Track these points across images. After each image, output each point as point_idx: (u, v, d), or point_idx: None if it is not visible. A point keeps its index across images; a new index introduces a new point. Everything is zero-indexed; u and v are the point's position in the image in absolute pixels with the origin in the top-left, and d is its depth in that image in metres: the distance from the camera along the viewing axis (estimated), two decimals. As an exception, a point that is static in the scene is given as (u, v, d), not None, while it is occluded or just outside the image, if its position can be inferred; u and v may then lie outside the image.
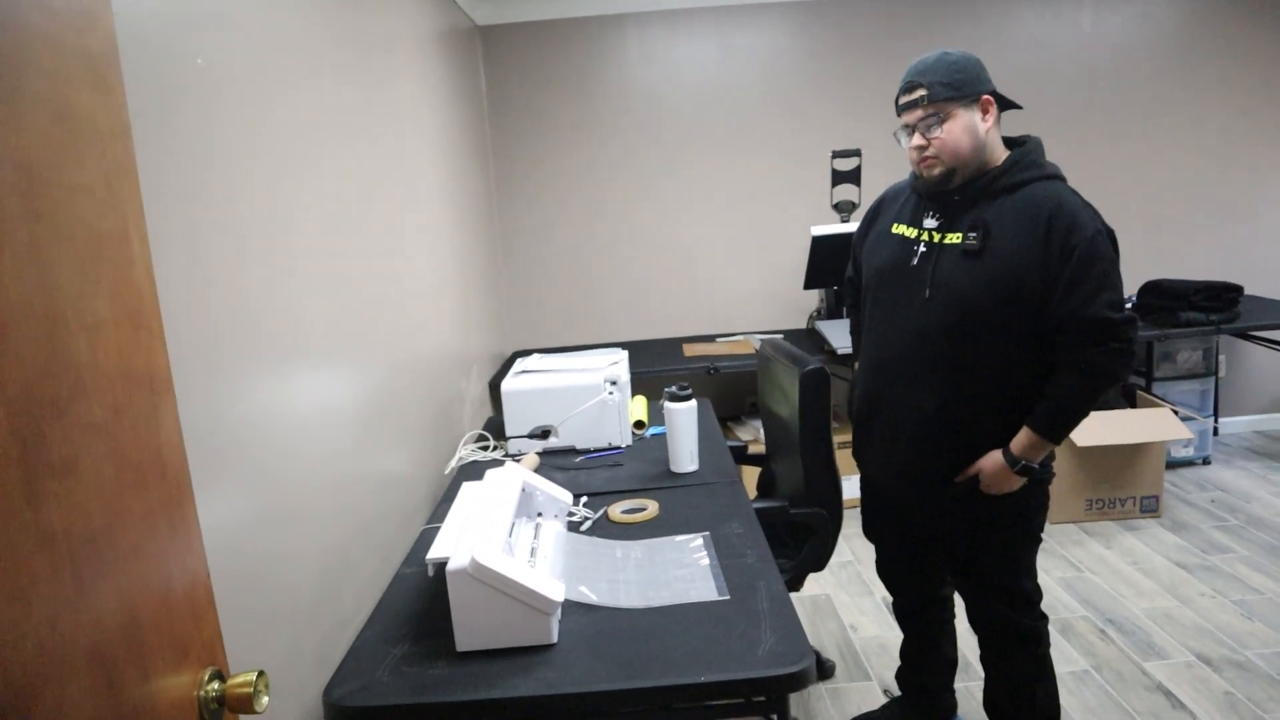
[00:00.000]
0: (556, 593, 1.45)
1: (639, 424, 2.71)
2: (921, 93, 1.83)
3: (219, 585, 1.23)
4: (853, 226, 3.85)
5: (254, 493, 1.37)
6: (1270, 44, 4.37)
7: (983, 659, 2.13)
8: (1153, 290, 4.00)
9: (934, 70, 1.83)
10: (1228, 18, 4.34)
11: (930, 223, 1.93)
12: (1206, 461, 4.29)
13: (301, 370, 1.59)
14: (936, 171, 1.87)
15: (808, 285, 4.05)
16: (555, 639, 1.45)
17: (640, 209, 4.35)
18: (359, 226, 2.00)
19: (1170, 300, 3.86)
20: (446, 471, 2.49)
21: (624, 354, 2.80)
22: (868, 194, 4.14)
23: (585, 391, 2.53)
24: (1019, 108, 1.94)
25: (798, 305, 4.45)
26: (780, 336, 4.03)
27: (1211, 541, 3.45)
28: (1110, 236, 1.79)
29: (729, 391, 4.45)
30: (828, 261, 3.89)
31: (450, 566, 1.41)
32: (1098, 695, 2.51)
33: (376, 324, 2.08)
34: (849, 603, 3.14)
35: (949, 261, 1.87)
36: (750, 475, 2.95)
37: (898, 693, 2.45)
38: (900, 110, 1.90)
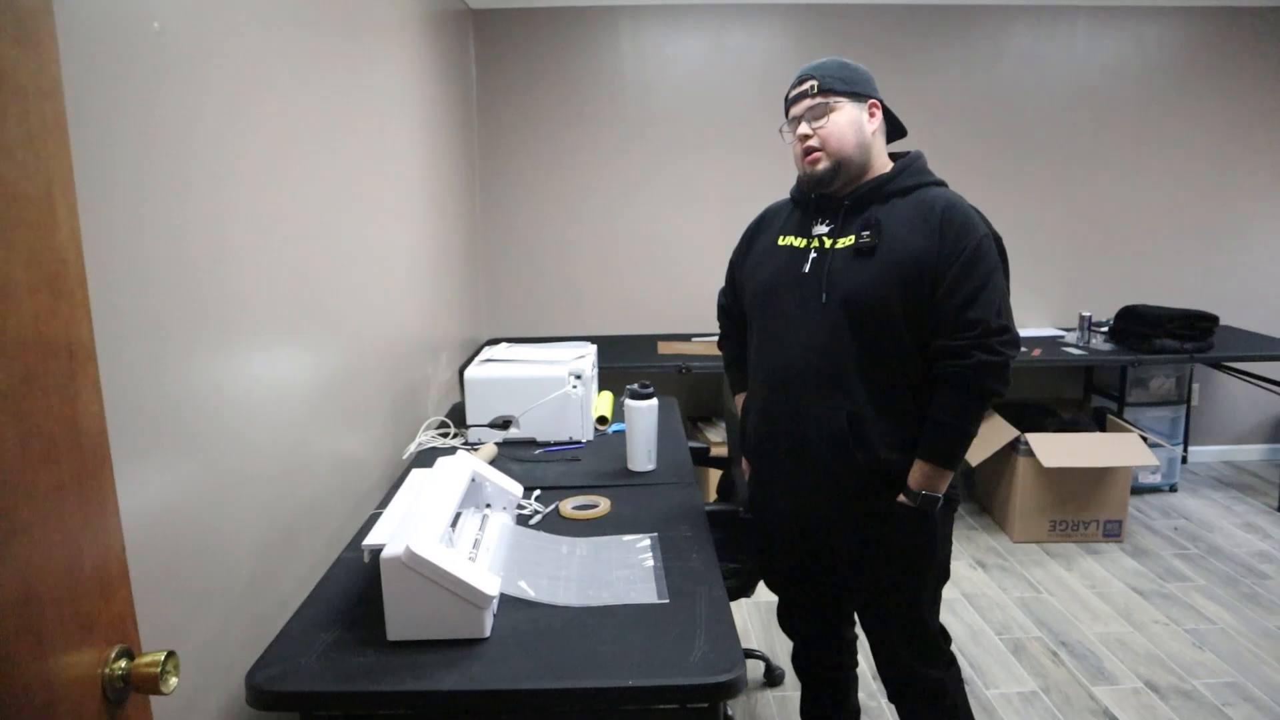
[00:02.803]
0: (491, 586, 1.43)
1: (602, 419, 2.69)
2: (812, 83, 1.82)
3: (146, 562, 1.21)
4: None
5: (192, 468, 1.35)
6: (1257, 75, 4.39)
7: (891, 702, 2.01)
8: (1129, 315, 4.01)
9: (827, 66, 1.84)
10: (1217, 47, 4.35)
11: (820, 229, 1.88)
12: (1173, 489, 4.31)
13: (252, 346, 1.56)
14: (820, 167, 1.83)
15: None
16: (488, 633, 1.43)
17: (625, 203, 4.33)
18: (325, 206, 1.97)
19: (1146, 326, 3.87)
20: (404, 456, 2.47)
21: (592, 348, 2.78)
22: (851, 202, 4.13)
23: (549, 384, 2.51)
24: (904, 134, 1.93)
25: (776, 309, 4.44)
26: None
27: (1170, 569, 3.46)
28: (998, 242, 1.77)
29: (700, 391, 4.44)
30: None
31: (385, 554, 1.39)
32: (1044, 717, 2.51)
33: (339, 303, 2.05)
34: (804, 610, 3.14)
35: (842, 263, 1.80)
36: (713, 478, 2.94)
37: None
38: (789, 103, 1.88)
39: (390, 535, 1.49)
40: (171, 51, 1.33)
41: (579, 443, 2.54)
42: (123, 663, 0.99)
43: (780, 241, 1.95)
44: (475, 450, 2.40)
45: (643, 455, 2.29)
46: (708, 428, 4.21)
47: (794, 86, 1.88)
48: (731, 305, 2.17)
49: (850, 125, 1.82)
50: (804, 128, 1.85)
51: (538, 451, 2.46)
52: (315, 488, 1.88)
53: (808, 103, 1.83)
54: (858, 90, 1.83)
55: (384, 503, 2.08)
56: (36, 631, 0.87)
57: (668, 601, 1.56)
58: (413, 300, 2.79)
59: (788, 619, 2.20)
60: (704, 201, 4.35)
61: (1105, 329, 4.19)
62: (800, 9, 4.19)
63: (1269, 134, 4.46)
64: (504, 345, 2.84)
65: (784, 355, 1.88)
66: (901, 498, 1.80)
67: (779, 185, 4.26)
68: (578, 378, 2.52)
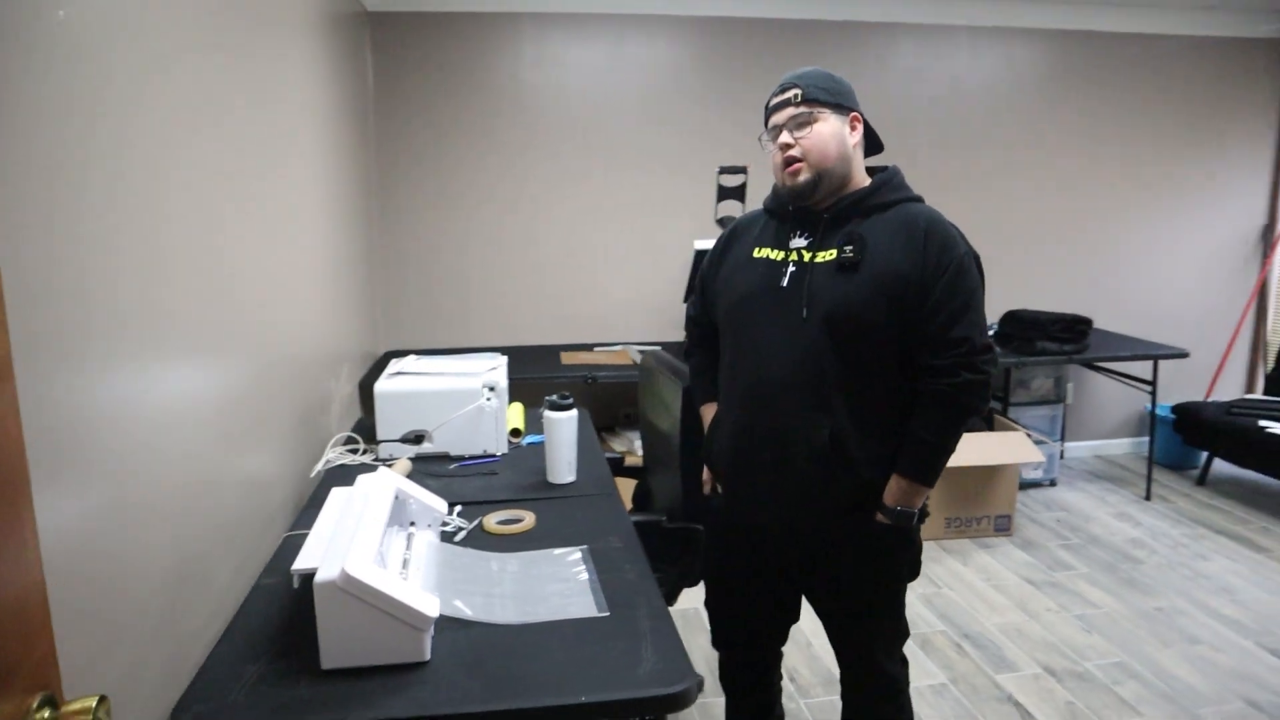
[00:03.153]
0: (431, 608, 1.38)
1: (515, 432, 2.64)
2: (795, 92, 1.79)
3: (53, 597, 1.10)
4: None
5: (98, 493, 1.25)
6: (1120, 92, 4.70)
7: (845, 700, 2.04)
8: (1012, 320, 4.22)
9: (810, 75, 1.81)
10: (1083, 67, 4.64)
11: (798, 242, 1.85)
12: (1053, 483, 4.55)
13: (157, 362, 1.46)
14: (801, 179, 1.79)
15: (687, 298, 4.07)
16: (428, 656, 1.38)
17: (524, 212, 4.28)
18: (226, 214, 1.87)
19: (1028, 329, 4.08)
20: (312, 475, 2.36)
21: (503, 359, 2.73)
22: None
23: (462, 396, 2.45)
24: (881, 149, 1.92)
25: (675, 318, 4.47)
26: (658, 348, 4.03)
27: (1057, 559, 3.66)
28: (976, 260, 1.79)
29: (605, 401, 4.43)
30: (709, 276, 3.92)
31: (318, 578, 1.32)
32: (954, 707, 2.60)
33: (241, 316, 1.94)
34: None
35: (823, 278, 1.78)
36: (626, 487, 2.92)
37: None
38: (770, 111, 1.85)
39: (320, 558, 1.41)
40: (76, 43, 1.23)
41: (494, 456, 2.49)
42: (46, 712, 0.91)
43: (756, 254, 1.90)
44: (389, 466, 2.32)
45: (564, 467, 2.26)
46: (612, 438, 4.20)
47: (775, 94, 1.84)
48: (700, 315, 2.11)
49: (833, 137, 1.79)
50: (785, 137, 1.80)
51: (452, 466, 2.40)
52: (226, 511, 1.77)
53: (790, 111, 1.80)
54: (841, 102, 1.81)
55: (296, 525, 1.99)
56: (-44, 683, 0.78)
57: (608, 614, 1.54)
58: (313, 313, 2.68)
59: (731, 627, 2.14)
60: (604, 210, 4.35)
61: (991, 332, 4.39)
62: (697, 21, 4.25)
63: (1128, 150, 4.78)
64: (411, 358, 2.76)
65: (763, 371, 1.84)
66: (880, 516, 1.81)
67: (675, 194, 4.33)
68: (491, 389, 2.47)
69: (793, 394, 1.81)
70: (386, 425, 2.44)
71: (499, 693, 1.29)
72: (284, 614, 1.54)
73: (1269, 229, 5.04)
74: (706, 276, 2.07)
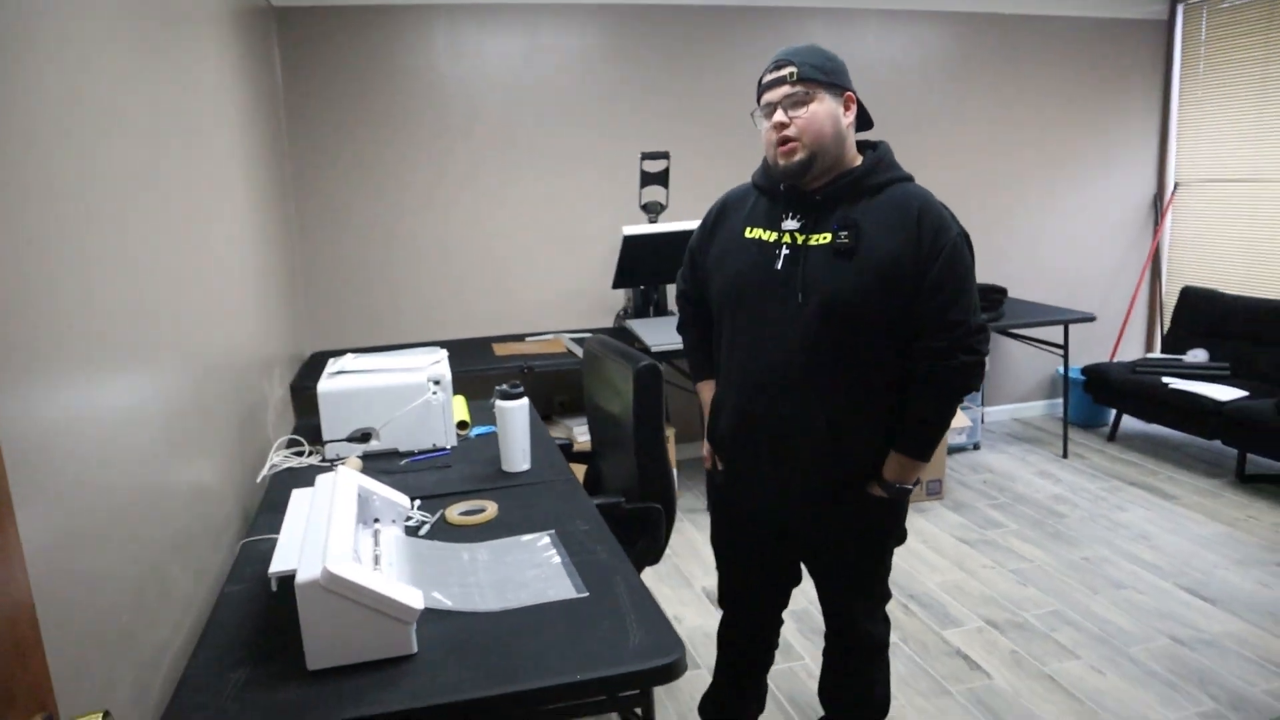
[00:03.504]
0: (415, 600, 1.36)
1: (462, 424, 2.62)
2: (791, 69, 1.75)
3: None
4: (664, 227, 3.94)
5: (59, 509, 1.20)
6: (1021, 72, 4.90)
7: (828, 658, 2.12)
8: (929, 291, 4.35)
9: (806, 53, 1.78)
10: (986, 48, 4.82)
11: (791, 224, 1.83)
12: (977, 447, 4.73)
13: (96, 374, 1.40)
14: (796, 158, 1.76)
15: (616, 284, 4.10)
16: (415, 649, 1.37)
17: (446, 206, 4.23)
18: (157, 216, 1.80)
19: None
20: (259, 480, 2.30)
21: (444, 353, 2.70)
22: (676, 196, 4.24)
23: (407, 391, 2.41)
24: (870, 126, 1.88)
25: (604, 304, 4.49)
26: (589, 335, 4.04)
27: (987, 518, 3.81)
28: (967, 240, 1.78)
29: (540, 390, 4.41)
30: (638, 261, 3.95)
31: (299, 579, 1.29)
32: (907, 664, 2.70)
33: (179, 322, 1.88)
34: (670, 595, 3.20)
35: (819, 262, 1.77)
36: (576, 473, 2.93)
37: None
38: (764, 89, 1.81)
39: (296, 559, 1.39)
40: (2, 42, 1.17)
41: (444, 449, 2.46)
42: (47, 730, 0.87)
43: (747, 233, 1.89)
44: (338, 466, 2.27)
45: (518, 455, 2.25)
46: (550, 426, 4.20)
47: (770, 71, 1.80)
48: (691, 290, 2.10)
49: (828, 117, 1.76)
50: (780, 115, 1.77)
51: (403, 462, 2.37)
52: (177, 521, 1.72)
53: (786, 90, 1.76)
54: (836, 81, 1.78)
55: (252, 531, 1.94)
56: (-36, 703, 0.75)
57: (588, 595, 1.55)
58: (240, 317, 2.60)
59: (736, 598, 2.20)
60: (528, 201, 4.32)
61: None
62: (609, 8, 4.25)
63: (1030, 127, 4.98)
64: (349, 356, 2.70)
65: (760, 357, 1.86)
66: (876, 489, 1.86)
67: (598, 182, 4.33)
68: (437, 383, 2.44)
69: (789, 381, 1.83)
70: (332, 425, 2.38)
71: (493, 678, 1.29)
72: (256, 619, 1.51)
73: (1158, 197, 5.33)
74: (696, 252, 2.07)
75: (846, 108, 1.81)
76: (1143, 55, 5.11)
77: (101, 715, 0.89)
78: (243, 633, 1.46)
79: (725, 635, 2.25)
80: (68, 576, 1.18)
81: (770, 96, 1.79)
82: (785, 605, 2.21)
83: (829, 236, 1.78)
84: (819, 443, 1.83)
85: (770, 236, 1.86)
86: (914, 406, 1.80)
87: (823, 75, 1.76)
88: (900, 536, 1.99)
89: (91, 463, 1.31)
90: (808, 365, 1.80)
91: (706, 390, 2.11)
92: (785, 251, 1.82)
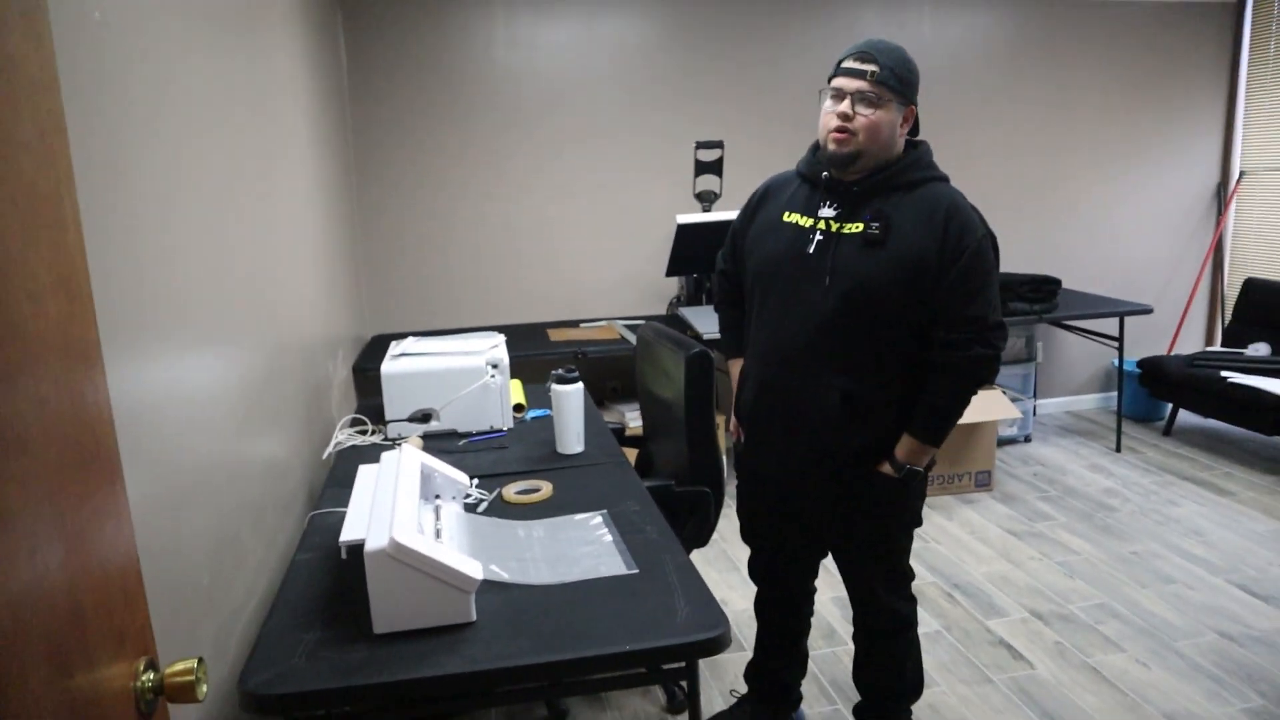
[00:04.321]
0: (475, 570, 1.44)
1: (518, 406, 2.71)
2: (874, 68, 1.81)
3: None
4: (717, 216, 3.98)
5: (156, 474, 1.30)
6: (1081, 58, 4.82)
7: (856, 639, 2.19)
8: (982, 282, 4.34)
9: (892, 55, 1.83)
10: (1044, 35, 4.75)
11: (827, 212, 1.92)
12: (1028, 439, 4.70)
13: (181, 352, 1.50)
14: (846, 149, 1.84)
15: (670, 272, 4.15)
16: (474, 617, 1.45)
17: (503, 193, 4.32)
18: (238, 202, 1.90)
19: (1000, 291, 4.20)
20: (324, 457, 2.41)
21: (501, 337, 2.78)
22: (730, 185, 4.27)
23: (467, 374, 2.50)
24: (917, 134, 1.95)
25: (658, 292, 4.54)
26: (642, 322, 4.11)
27: (1036, 511, 3.80)
28: (993, 241, 1.88)
29: (592, 376, 4.49)
30: (691, 250, 3.99)
31: (368, 548, 1.38)
32: (949, 652, 2.73)
33: (249, 304, 1.98)
34: (718, 578, 3.27)
35: (849, 250, 1.87)
36: (628, 456, 3.00)
37: (744, 691, 2.47)
38: (841, 72, 1.85)
39: (364, 530, 1.48)
40: (110, 43, 1.27)
41: (500, 431, 2.55)
42: (150, 674, 0.97)
43: (785, 218, 1.99)
44: (401, 444, 2.37)
45: (573, 438, 2.33)
46: (604, 412, 4.27)
47: (852, 59, 1.84)
48: (731, 269, 2.20)
49: (888, 125, 1.84)
50: (846, 106, 1.83)
51: (462, 442, 2.46)
52: (251, 492, 1.82)
53: (862, 85, 1.81)
54: (906, 94, 1.85)
55: (321, 504, 2.04)
56: (85, 645, 0.84)
57: (637, 572, 1.62)
58: (310, 299, 2.71)
59: (761, 566, 2.29)
60: (583, 189, 4.39)
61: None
62: (666, -3, 4.29)
63: (1089, 115, 4.91)
64: (411, 339, 2.80)
65: (783, 333, 1.96)
66: (886, 467, 1.94)
67: (653, 170, 4.38)
68: (495, 367, 2.53)
69: (808, 357, 1.93)
70: (394, 405, 2.49)
71: (547, 646, 1.37)
72: (326, 586, 1.60)
73: (1222, 187, 5.21)
74: (737, 233, 2.16)
75: (906, 119, 1.89)
76: (1209, 40, 4.99)
77: (197, 661, 0.98)
78: (313, 598, 1.56)
79: (760, 607, 2.35)
80: (159, 537, 1.28)
81: (844, 84, 1.84)
82: (814, 574, 2.29)
83: (861, 226, 1.87)
84: (831, 416, 1.93)
85: (806, 222, 1.95)
86: (928, 392, 1.90)
87: (898, 84, 1.83)
88: (915, 520, 2.07)
89: (178, 433, 1.41)
90: (827, 343, 1.91)
91: (735, 366, 2.23)
92: (819, 237, 1.92)
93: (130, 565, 0.97)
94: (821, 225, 1.93)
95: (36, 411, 0.77)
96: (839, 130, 1.85)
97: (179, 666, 0.97)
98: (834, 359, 1.91)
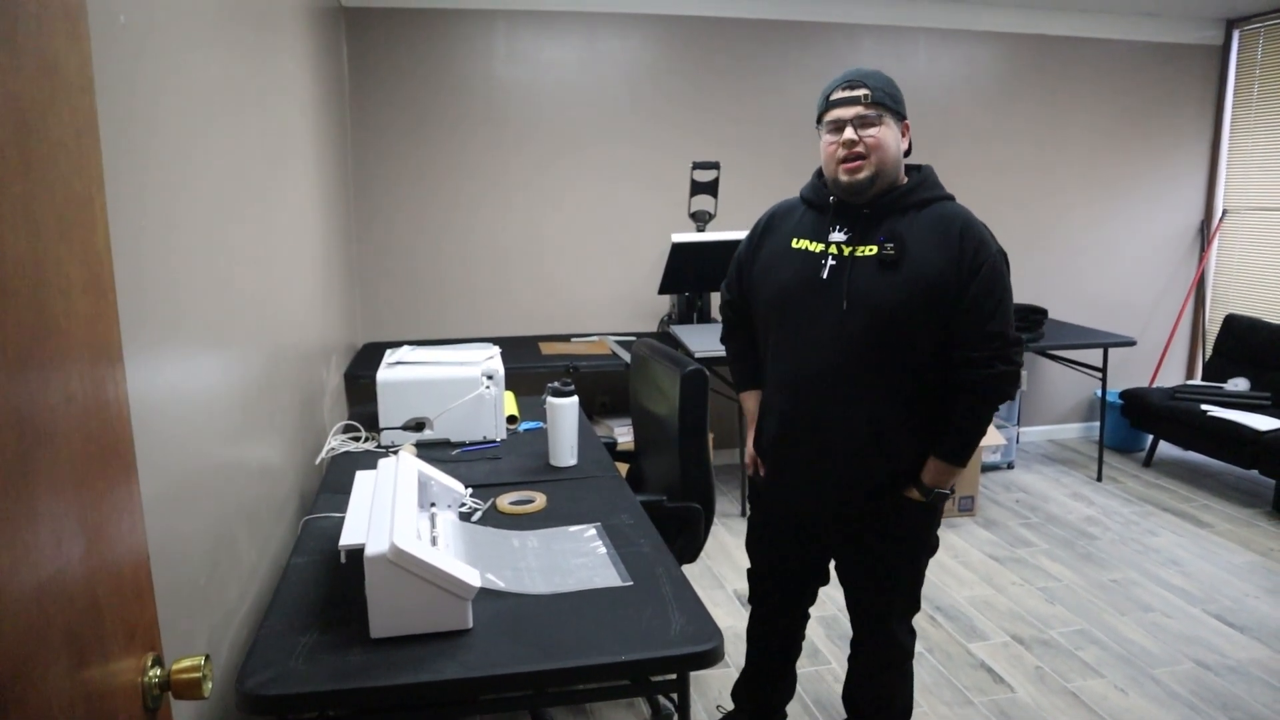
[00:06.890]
0: (473, 577, 1.46)
1: (511, 418, 2.72)
2: (864, 91, 1.83)
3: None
4: (712, 236, 4.02)
5: (161, 474, 1.31)
6: (1070, 94, 4.91)
7: (853, 665, 2.19)
8: (970, 309, 4.39)
9: (876, 77, 1.86)
10: (1035, 69, 4.84)
11: (838, 236, 1.91)
12: (1011, 466, 4.75)
13: (179, 354, 1.52)
14: (862, 175, 1.84)
15: (663, 290, 4.18)
16: (470, 624, 1.46)
17: (499, 207, 4.34)
18: (240, 206, 1.92)
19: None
20: (317, 462, 2.42)
21: (496, 349, 2.80)
22: (725, 206, 4.32)
23: (462, 385, 2.52)
24: (909, 154, 1.96)
25: (649, 309, 4.58)
26: (634, 338, 4.13)
27: (1018, 537, 3.84)
28: (1004, 258, 1.88)
29: (583, 390, 4.51)
30: (685, 268, 4.03)
31: (368, 552, 1.39)
32: (932, 674, 2.75)
33: (255, 307, 2.00)
34: (703, 595, 3.24)
35: (865, 273, 1.85)
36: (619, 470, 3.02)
37: (729, 708, 2.48)
38: (833, 105, 1.87)
39: (364, 535, 1.49)
40: (134, 47, 1.29)
41: (494, 442, 2.56)
42: (157, 670, 0.98)
43: (795, 244, 1.97)
44: (395, 452, 2.38)
45: (566, 451, 2.34)
46: (595, 426, 4.28)
47: (841, 89, 1.87)
48: (737, 300, 2.17)
49: (893, 140, 1.86)
50: (850, 133, 1.84)
51: (455, 452, 2.47)
52: (246, 495, 1.83)
53: (859, 110, 1.84)
54: (900, 110, 1.88)
55: (312, 509, 2.05)
56: (100, 638, 0.85)
57: (632, 584, 1.63)
58: (305, 304, 2.72)
59: (766, 588, 2.28)
60: (577, 205, 4.43)
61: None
62: (666, 19, 4.34)
63: (1077, 149, 5.00)
64: (406, 348, 2.82)
65: (804, 363, 1.94)
66: (914, 493, 1.93)
67: (648, 189, 4.42)
68: (490, 378, 2.55)
69: (832, 386, 1.91)
70: (389, 413, 2.50)
71: (542, 654, 1.38)
72: (322, 590, 1.61)
73: (1205, 224, 5.31)
74: (743, 263, 2.13)
75: (904, 134, 1.91)
76: (1195, 81, 5.10)
77: (204, 658, 0.99)
78: (309, 602, 1.57)
79: (755, 630, 2.34)
80: (162, 535, 1.29)
81: (840, 114, 1.86)
82: (812, 603, 2.29)
83: (875, 249, 1.86)
84: (861, 444, 1.91)
85: (816, 248, 1.93)
86: (953, 413, 1.88)
87: (892, 102, 1.86)
88: (933, 546, 2.05)
89: (180, 434, 1.43)
90: (851, 369, 1.88)
91: (751, 400, 2.18)
92: (831, 262, 1.90)
93: (141, 562, 0.99)
94: (833, 250, 1.91)
95: (65, 407, 0.79)
96: (848, 159, 1.85)
97: (186, 663, 0.98)
98: (859, 385, 1.89)
